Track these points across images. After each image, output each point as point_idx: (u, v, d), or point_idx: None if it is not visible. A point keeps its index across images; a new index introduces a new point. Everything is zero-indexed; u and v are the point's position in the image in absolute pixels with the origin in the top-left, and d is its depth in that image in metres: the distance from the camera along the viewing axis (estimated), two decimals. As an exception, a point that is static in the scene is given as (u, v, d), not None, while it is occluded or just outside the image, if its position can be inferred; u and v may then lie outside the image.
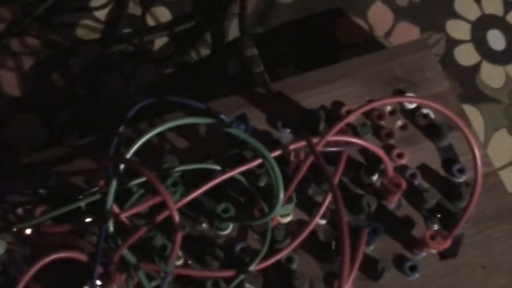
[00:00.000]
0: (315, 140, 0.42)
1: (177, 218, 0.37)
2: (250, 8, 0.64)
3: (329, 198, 0.45)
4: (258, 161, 0.43)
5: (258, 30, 0.63)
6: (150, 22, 0.64)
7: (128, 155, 0.41)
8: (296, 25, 0.64)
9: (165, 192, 0.37)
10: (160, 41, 0.63)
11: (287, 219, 0.48)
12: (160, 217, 0.40)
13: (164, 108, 0.52)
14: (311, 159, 0.44)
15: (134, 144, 0.41)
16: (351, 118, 0.45)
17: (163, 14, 0.64)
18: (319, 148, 0.43)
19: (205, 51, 0.62)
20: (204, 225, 0.47)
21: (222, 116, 0.49)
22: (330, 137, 0.43)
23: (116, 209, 0.42)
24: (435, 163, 0.52)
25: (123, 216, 0.41)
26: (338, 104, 0.54)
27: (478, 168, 0.43)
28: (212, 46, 0.62)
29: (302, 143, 0.43)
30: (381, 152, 0.45)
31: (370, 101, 0.47)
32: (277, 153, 0.44)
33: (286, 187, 0.43)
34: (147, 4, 0.64)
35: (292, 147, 0.44)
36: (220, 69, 0.61)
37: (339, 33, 0.64)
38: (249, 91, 0.54)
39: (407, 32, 0.65)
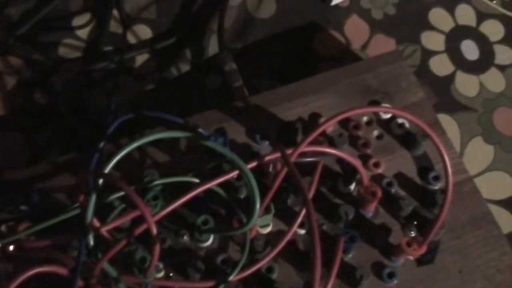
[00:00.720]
0: (289, 151, 0.44)
1: (154, 230, 0.38)
2: (229, 24, 0.65)
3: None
4: (234, 173, 0.44)
5: (237, 45, 0.65)
6: (131, 39, 0.65)
7: (107, 170, 0.41)
8: (275, 39, 0.65)
9: (142, 205, 0.38)
10: (141, 58, 0.64)
11: (266, 230, 0.49)
12: (139, 230, 0.41)
13: (145, 124, 0.53)
14: (286, 170, 0.45)
15: (112, 159, 0.42)
16: (323, 129, 0.46)
17: (144, 31, 0.65)
18: (293, 159, 0.44)
19: (185, 67, 0.63)
20: (185, 237, 0.48)
21: (201, 130, 0.50)
22: (304, 148, 0.44)
23: (96, 223, 0.43)
24: (411, 171, 0.53)
25: (104, 230, 0.42)
26: (315, 116, 0.55)
27: (449, 176, 0.44)
28: (192, 62, 0.64)
29: (277, 155, 0.44)
30: (355, 162, 0.46)
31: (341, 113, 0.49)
32: (253, 164, 0.45)
33: (263, 198, 0.44)
34: (128, 22, 0.65)
35: (267, 158, 0.45)
36: (200, 84, 0.62)
37: (317, 46, 0.65)
38: (228, 105, 0.55)
39: (383, 44, 0.66)
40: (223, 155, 0.44)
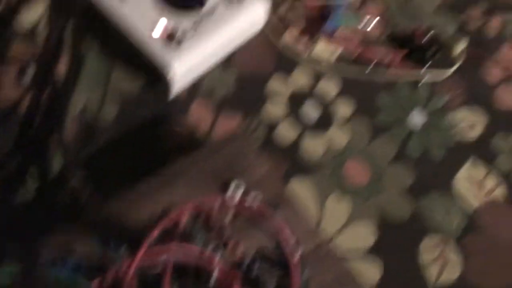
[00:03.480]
0: (127, 263, 0.43)
1: None
2: (72, 133, 0.65)
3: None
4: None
5: (84, 153, 0.64)
6: (-27, 169, 0.63)
7: None
8: (121, 140, 0.66)
9: None
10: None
11: None
12: None
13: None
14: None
15: None
16: (146, 245, 0.46)
17: (-15, 157, 0.63)
18: (131, 273, 0.43)
19: (32, 186, 0.62)
20: None
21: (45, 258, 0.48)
22: (137, 263, 0.44)
23: None
24: (269, 245, 0.54)
25: None
26: (166, 211, 0.55)
27: (287, 252, 0.45)
28: (39, 180, 0.62)
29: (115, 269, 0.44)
30: (194, 260, 0.46)
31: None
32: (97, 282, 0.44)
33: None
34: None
35: (109, 275, 0.44)
36: (48, 203, 0.61)
37: (164, 139, 0.66)
38: (79, 219, 0.54)
39: (229, 122, 0.68)
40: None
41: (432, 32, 0.76)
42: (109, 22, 0.68)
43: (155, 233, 0.45)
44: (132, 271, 0.42)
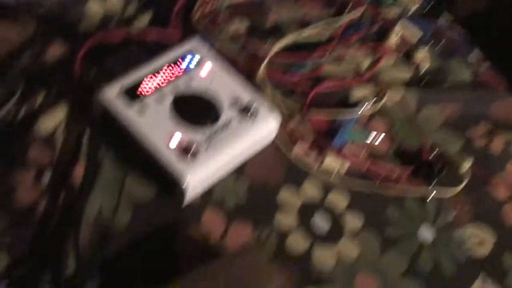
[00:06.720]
0: None
1: None
2: (86, 240, 0.65)
3: None
4: None
5: (97, 259, 0.64)
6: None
7: None
8: (134, 248, 0.66)
9: None
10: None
11: None
12: None
13: None
14: None
15: None
16: None
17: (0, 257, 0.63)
18: None
19: (45, 290, 0.62)
20: None
21: None
22: None
23: None
24: None
25: None
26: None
27: None
28: (52, 283, 0.62)
29: None
30: None
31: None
32: None
33: None
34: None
35: None
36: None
37: (177, 247, 0.67)
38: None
39: (241, 231, 0.69)
40: None
41: (437, 149, 0.79)
42: (127, 132, 0.70)
43: None
44: None
